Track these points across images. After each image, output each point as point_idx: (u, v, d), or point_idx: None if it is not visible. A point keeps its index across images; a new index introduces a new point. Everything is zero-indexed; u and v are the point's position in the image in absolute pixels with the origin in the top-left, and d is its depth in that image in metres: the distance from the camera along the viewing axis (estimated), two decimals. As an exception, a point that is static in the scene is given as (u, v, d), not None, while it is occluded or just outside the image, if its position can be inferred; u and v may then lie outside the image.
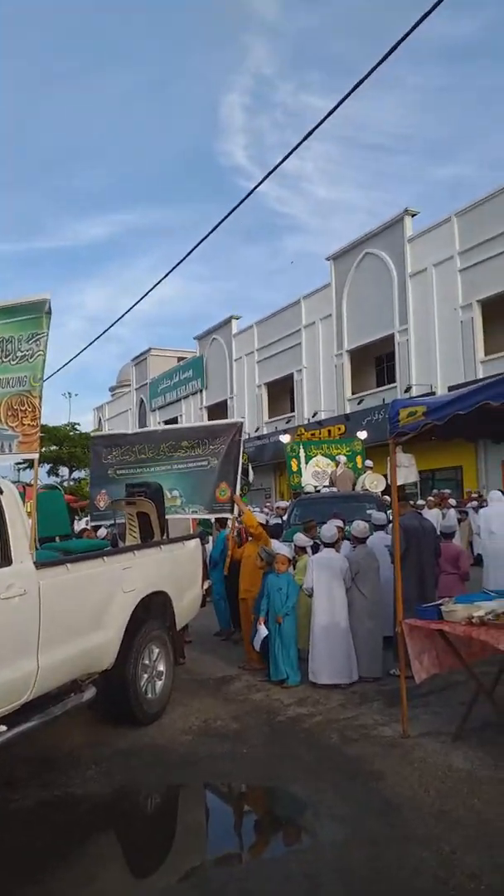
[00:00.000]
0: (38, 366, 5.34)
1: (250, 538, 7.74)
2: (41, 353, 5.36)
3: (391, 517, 9.65)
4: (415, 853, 3.41)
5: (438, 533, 7.78)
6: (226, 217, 10.22)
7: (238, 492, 7.60)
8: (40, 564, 4.56)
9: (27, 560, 4.42)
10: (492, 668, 5.25)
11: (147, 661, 5.62)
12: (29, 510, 5.03)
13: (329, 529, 6.99)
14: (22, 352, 5.35)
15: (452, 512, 14.57)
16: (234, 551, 8.10)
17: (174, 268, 12.80)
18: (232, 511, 7.64)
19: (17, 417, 5.28)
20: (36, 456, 5.43)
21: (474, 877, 3.16)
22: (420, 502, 15.50)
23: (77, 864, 3.59)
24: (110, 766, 4.71)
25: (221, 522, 9.10)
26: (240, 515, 7.78)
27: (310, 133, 8.31)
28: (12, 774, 4.57)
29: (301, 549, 7.72)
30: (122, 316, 20.76)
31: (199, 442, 7.87)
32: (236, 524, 8.08)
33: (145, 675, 5.56)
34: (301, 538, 7.86)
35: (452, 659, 4.92)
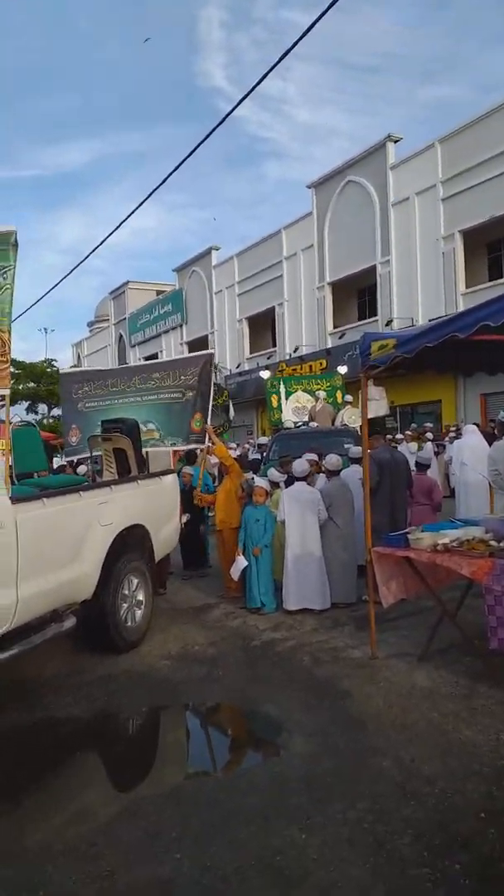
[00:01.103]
0: (5, 299, 5.23)
1: (226, 473, 7.87)
2: (8, 286, 5.25)
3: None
4: (376, 762, 3.64)
5: (414, 464, 7.94)
6: (206, 138, 9.84)
7: (209, 422, 7.62)
8: (16, 499, 4.62)
9: (3, 495, 4.47)
10: (456, 593, 5.47)
11: (126, 592, 5.79)
12: (3, 447, 5.04)
13: (300, 464, 7.11)
14: (-11, 286, 5.24)
15: (429, 445, 14.78)
16: (200, 498, 8.19)
17: (154, 191, 12.51)
18: (205, 441, 7.69)
19: (-13, 353, 5.22)
20: (7, 392, 5.39)
21: (429, 781, 3.40)
22: (398, 436, 15.71)
23: (60, 782, 3.79)
24: (91, 691, 4.92)
25: (191, 459, 9.17)
26: (212, 446, 7.86)
27: (291, 48, 7.93)
28: (-5, 699, 4.76)
29: (275, 484, 7.86)
30: (99, 245, 20.35)
31: (169, 374, 7.84)
32: (208, 461, 8.12)
33: (125, 605, 5.74)
34: (274, 473, 7.98)
35: (418, 585, 5.12)
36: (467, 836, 2.95)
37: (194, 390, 7.60)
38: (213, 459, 10.24)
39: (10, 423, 5.55)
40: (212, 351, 7.93)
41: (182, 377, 7.73)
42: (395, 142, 22.44)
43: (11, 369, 5.33)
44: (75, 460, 9.42)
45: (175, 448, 7.88)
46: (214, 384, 16.30)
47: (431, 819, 3.09)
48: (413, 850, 2.88)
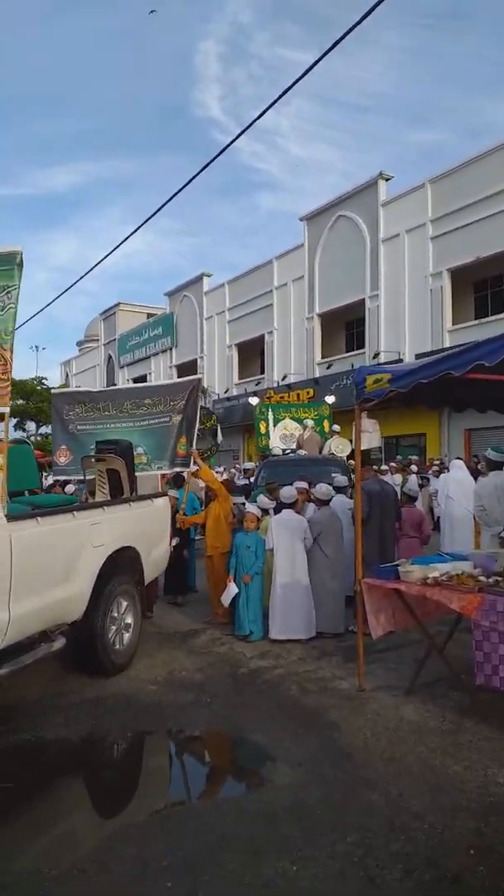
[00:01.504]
0: (9, 318, 5.30)
1: (213, 497, 7.89)
2: (12, 305, 5.32)
3: (353, 481, 9.92)
4: (365, 795, 3.65)
5: (401, 496, 8.03)
6: (204, 167, 10.02)
7: (194, 446, 7.66)
8: (11, 517, 4.63)
9: (-1, 513, 4.48)
10: (444, 627, 5.53)
11: (115, 614, 5.77)
12: (0, 464, 5.05)
13: (287, 491, 7.18)
14: (-7, 304, 5.29)
15: (413, 478, 14.91)
16: (182, 521, 8.13)
17: (150, 218, 12.65)
18: (189, 465, 7.72)
19: (-11, 371, 5.26)
20: (6, 410, 5.43)
21: (418, 816, 3.42)
22: (383, 468, 15.84)
23: (48, 805, 3.76)
24: (78, 713, 4.88)
25: (178, 482, 9.19)
26: (197, 469, 7.90)
27: (290, 87, 8.16)
28: (-19, 720, 4.71)
29: (264, 511, 7.90)
30: (94, 267, 20.22)
31: (161, 399, 7.91)
32: (195, 483, 8.14)
33: (113, 628, 5.72)
34: (264, 500, 8.03)
35: (407, 617, 5.16)
36: (457, 872, 2.97)
37: (181, 414, 7.67)
38: (201, 483, 10.25)
39: (7, 440, 5.58)
40: (199, 376, 7.99)
41: (171, 402, 7.80)
42: (387, 180, 22.94)
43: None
44: (62, 480, 9.39)
45: (161, 472, 7.90)
46: (203, 408, 16.41)
47: (421, 854, 3.11)
48: (403, 885, 2.89)
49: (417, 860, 3.05)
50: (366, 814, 3.46)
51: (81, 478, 8.25)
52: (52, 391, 9.35)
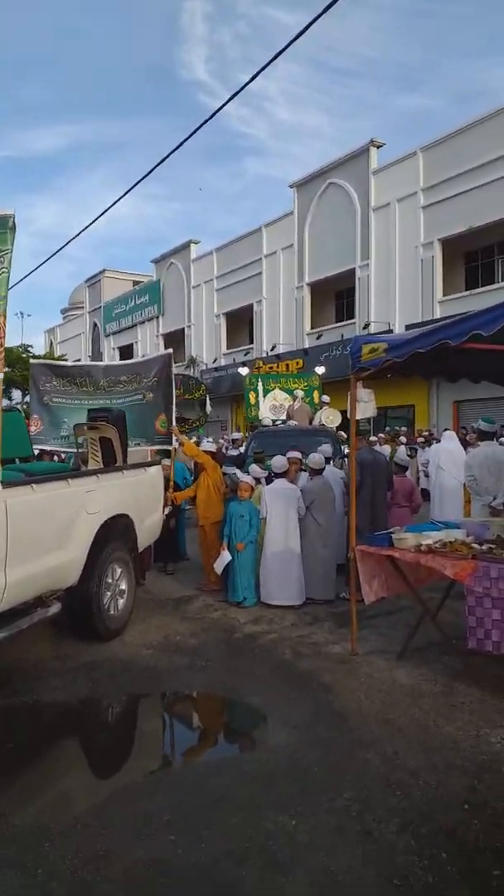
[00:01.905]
0: (2, 283, 5.22)
1: (202, 469, 7.88)
2: (5, 269, 5.22)
3: (344, 451, 9.97)
4: (361, 755, 3.74)
5: (393, 466, 8.09)
6: (192, 134, 9.82)
7: (174, 423, 7.63)
8: (7, 483, 4.62)
9: (-6, 479, 4.47)
10: (436, 594, 5.61)
11: (110, 580, 5.81)
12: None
13: (279, 460, 7.21)
14: (-15, 269, 5.21)
15: (402, 448, 15.00)
16: (174, 497, 7.94)
17: (136, 184, 12.36)
18: (171, 442, 7.70)
19: (-19, 336, 5.19)
20: (0, 376, 5.38)
21: (413, 774, 3.51)
22: (372, 438, 15.92)
23: (43, 766, 3.81)
24: (75, 677, 4.94)
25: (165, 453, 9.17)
26: (180, 446, 7.88)
27: (282, 50, 8.01)
28: (-21, 683, 4.75)
29: (256, 480, 7.92)
30: (80, 232, 19.82)
31: (135, 377, 7.88)
32: (177, 455, 8.12)
33: (108, 593, 5.76)
34: (256, 469, 8.05)
35: (400, 584, 5.24)
36: (452, 826, 3.07)
37: (154, 391, 7.63)
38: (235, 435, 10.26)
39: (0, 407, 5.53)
40: (169, 351, 7.93)
41: (144, 379, 7.76)
42: (378, 147, 22.64)
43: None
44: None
45: (139, 448, 7.77)
46: (192, 378, 16.30)
47: (417, 809, 3.20)
48: (400, 838, 2.98)
49: (413, 815, 3.15)
50: (362, 772, 3.55)
51: (49, 449, 8.30)
52: (31, 361, 9.27)
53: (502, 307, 4.13)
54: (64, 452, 9.23)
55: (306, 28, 7.66)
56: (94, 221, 20.05)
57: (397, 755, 3.71)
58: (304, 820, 3.11)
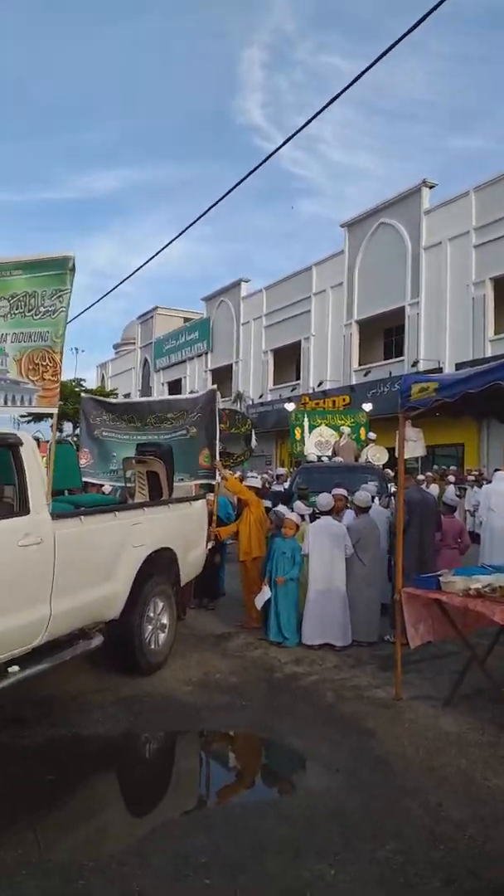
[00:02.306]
0: (60, 322, 5.41)
1: (245, 505, 7.86)
2: (63, 309, 5.43)
3: (391, 489, 9.85)
4: (404, 803, 3.63)
5: (441, 506, 7.96)
6: (246, 176, 10.09)
7: (218, 457, 7.67)
8: (56, 515, 4.71)
9: (44, 511, 4.56)
10: (484, 639, 5.46)
11: (152, 614, 5.82)
12: (46, 463, 5.16)
13: (324, 498, 7.16)
14: (45, 307, 5.41)
15: (451, 487, 14.76)
16: (217, 533, 7.83)
17: (191, 224, 12.82)
18: (215, 477, 7.74)
19: (38, 372, 5.37)
20: (55, 410, 5.55)
21: (459, 827, 3.38)
22: (420, 477, 15.70)
23: (81, 799, 3.80)
24: (115, 711, 4.93)
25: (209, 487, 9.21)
26: (223, 481, 7.90)
27: (335, 98, 8.19)
28: (22, 713, 4.79)
29: (301, 517, 7.88)
30: (133, 273, 20.66)
31: (182, 413, 7.98)
32: (220, 490, 8.13)
33: (149, 627, 5.77)
34: (300, 506, 8.01)
35: (447, 628, 5.11)
36: (500, 884, 2.94)
37: (198, 426, 7.70)
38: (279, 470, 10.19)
39: (54, 440, 5.68)
40: (214, 387, 8.03)
41: (190, 415, 7.85)
42: (430, 187, 22.82)
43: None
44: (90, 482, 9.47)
45: (183, 483, 7.79)
46: (238, 413, 16.42)
47: (462, 864, 3.08)
48: (444, 893, 2.87)
49: (458, 870, 3.03)
50: (405, 822, 3.44)
51: (100, 482, 8.40)
52: (82, 394, 9.48)
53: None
54: (111, 485, 9.36)
55: (361, 74, 7.82)
56: (146, 263, 20.71)
57: (441, 806, 3.59)
58: (344, 869, 3.02)
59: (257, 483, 8.47)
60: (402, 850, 3.17)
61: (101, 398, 9.95)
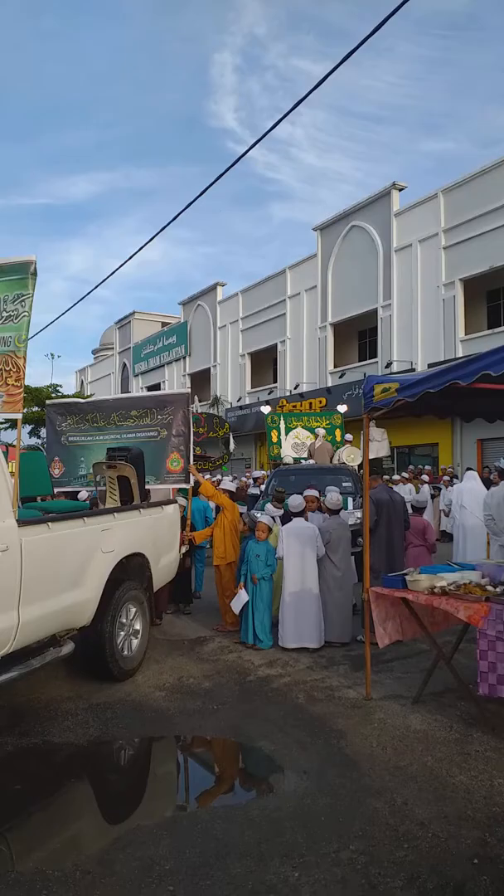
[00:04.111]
0: (23, 326, 5.39)
1: (222, 508, 7.89)
2: (26, 314, 5.41)
3: (360, 489, 9.91)
4: (370, 803, 3.65)
5: (409, 507, 8.02)
6: (218, 178, 10.11)
7: (192, 461, 7.66)
8: (22, 522, 4.68)
9: (9, 518, 4.53)
10: (452, 637, 5.51)
11: (124, 620, 5.81)
12: (12, 470, 5.12)
13: (295, 499, 7.19)
14: (7, 312, 5.39)
15: (426, 487, 14.87)
16: (192, 537, 7.93)
17: (165, 226, 12.69)
18: (187, 481, 7.71)
19: (2, 377, 5.35)
20: (19, 416, 5.52)
21: (422, 825, 3.41)
22: (396, 477, 15.81)
23: (55, 808, 3.79)
24: (86, 718, 4.91)
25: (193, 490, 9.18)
26: (197, 486, 7.88)
27: (303, 98, 8.24)
28: (-10, 723, 4.75)
29: (272, 519, 7.89)
30: (110, 276, 20.43)
31: (147, 411, 7.91)
32: (185, 503, 8.11)
33: (122, 633, 5.76)
34: (270, 508, 8.03)
35: (415, 627, 5.16)
36: (460, 881, 2.97)
37: (170, 429, 7.66)
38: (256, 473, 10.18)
39: (20, 446, 5.66)
40: (187, 390, 7.99)
41: (159, 416, 7.80)
42: (400, 190, 23.01)
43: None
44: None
45: (149, 486, 7.74)
46: (216, 416, 16.45)
47: (424, 863, 3.10)
48: (406, 893, 2.89)
49: (420, 868, 3.05)
50: (370, 822, 3.46)
51: (75, 490, 8.33)
52: (47, 402, 9.26)
53: (510, 348, 4.13)
54: (87, 491, 9.28)
55: (325, 78, 7.88)
56: (122, 265, 20.66)
57: (407, 804, 3.62)
58: (308, 871, 3.04)
59: (232, 486, 8.47)
60: (365, 851, 3.19)
61: (63, 401, 9.77)
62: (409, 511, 7.74)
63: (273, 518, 7.62)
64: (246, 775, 4.50)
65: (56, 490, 8.34)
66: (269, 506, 8.10)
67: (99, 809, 3.96)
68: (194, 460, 8.24)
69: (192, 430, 7.87)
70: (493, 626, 4.32)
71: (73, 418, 8.32)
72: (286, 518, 7.38)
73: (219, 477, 15.49)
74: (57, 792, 3.98)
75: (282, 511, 7.77)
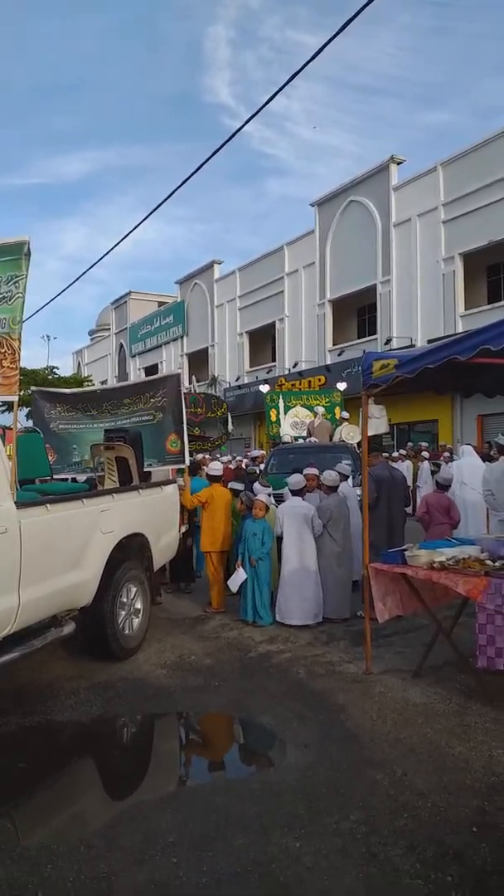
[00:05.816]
0: (17, 308, 5.34)
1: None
2: (20, 295, 5.36)
3: (359, 467, 9.90)
4: (370, 775, 3.70)
5: (435, 483, 7.96)
6: (213, 155, 10.03)
7: (186, 440, 7.64)
8: (21, 504, 4.68)
9: (8, 500, 4.53)
10: (452, 611, 5.54)
11: (125, 599, 5.84)
12: (9, 453, 5.11)
13: (295, 478, 7.19)
14: (1, 294, 5.34)
15: (426, 464, 14.88)
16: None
17: (160, 205, 12.62)
18: (184, 461, 7.74)
19: (-3, 359, 5.31)
20: (15, 398, 5.48)
21: (422, 795, 3.46)
22: (395, 454, 15.81)
23: (59, 785, 3.84)
24: (89, 697, 4.96)
25: (192, 470, 9.18)
26: (194, 465, 7.85)
27: (298, 71, 8.16)
28: (-6, 703, 4.80)
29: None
30: (105, 255, 20.42)
31: (139, 397, 7.90)
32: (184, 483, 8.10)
33: (123, 613, 5.80)
34: (258, 487, 7.91)
35: (415, 602, 5.18)
36: (459, 849, 3.01)
37: (164, 411, 7.66)
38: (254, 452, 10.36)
39: (17, 429, 5.64)
40: (178, 371, 7.97)
41: (151, 399, 7.79)
42: (399, 164, 22.73)
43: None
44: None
45: (150, 468, 7.72)
46: (214, 396, 16.39)
47: (424, 831, 3.15)
48: (406, 860, 2.94)
49: (420, 837, 3.10)
50: (370, 793, 3.51)
51: (70, 476, 8.32)
52: (33, 388, 9.15)
53: (509, 322, 4.11)
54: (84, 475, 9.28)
55: (320, 50, 7.79)
56: (117, 244, 20.44)
57: (406, 776, 3.66)
58: (309, 842, 3.08)
59: (218, 472, 8.29)
60: (366, 821, 3.24)
61: (51, 389, 9.69)
62: (434, 488, 7.70)
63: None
64: (247, 749, 4.55)
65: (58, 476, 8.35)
66: (256, 485, 8.01)
67: (102, 785, 4.02)
68: (192, 441, 8.23)
69: (184, 410, 7.85)
70: (491, 600, 4.34)
71: (63, 406, 8.31)
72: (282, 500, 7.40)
73: (218, 455, 15.52)
74: (61, 769, 4.03)
75: (269, 489, 7.77)
